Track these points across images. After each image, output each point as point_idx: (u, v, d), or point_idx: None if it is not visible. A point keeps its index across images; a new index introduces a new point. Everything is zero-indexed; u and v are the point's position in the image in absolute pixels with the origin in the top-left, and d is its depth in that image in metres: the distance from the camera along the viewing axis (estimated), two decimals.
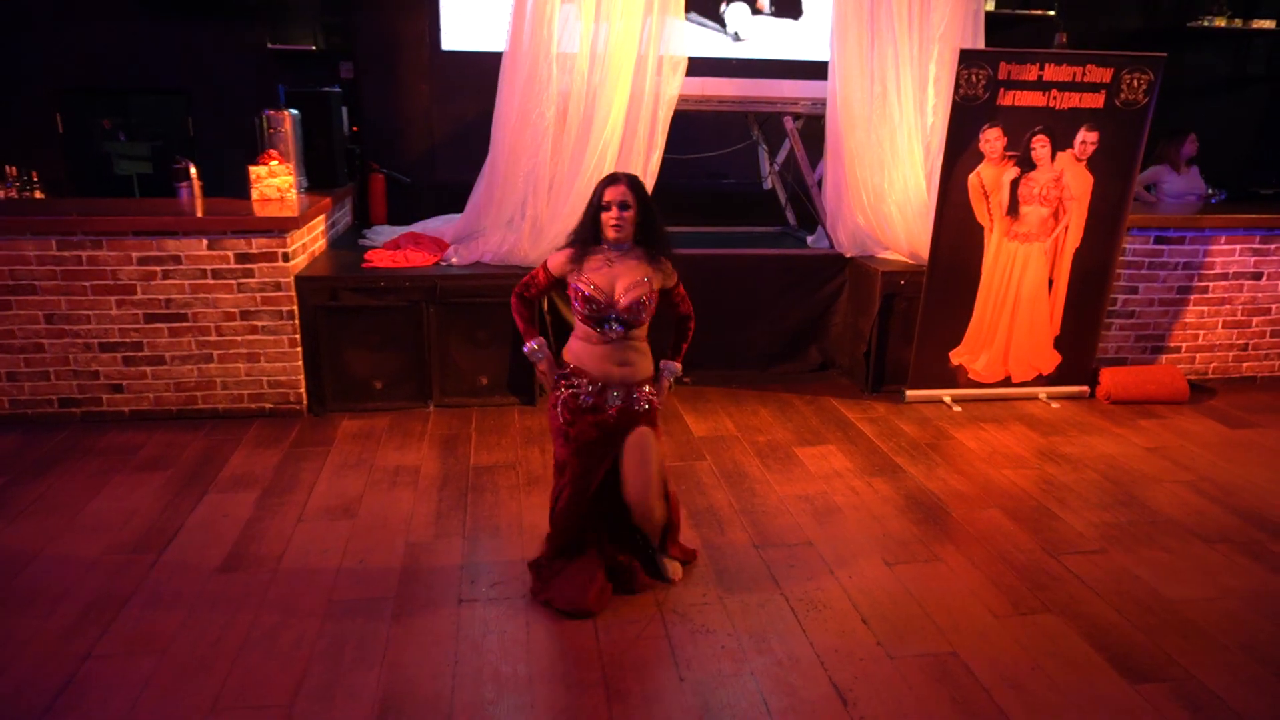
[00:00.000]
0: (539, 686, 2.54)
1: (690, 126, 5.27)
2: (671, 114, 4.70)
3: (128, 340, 4.34)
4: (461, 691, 2.50)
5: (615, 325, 2.76)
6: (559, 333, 4.57)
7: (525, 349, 2.91)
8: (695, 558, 3.20)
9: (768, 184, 6.15)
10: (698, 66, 4.83)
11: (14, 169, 5.69)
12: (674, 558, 3.10)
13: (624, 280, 2.75)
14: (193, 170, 4.90)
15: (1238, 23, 7.14)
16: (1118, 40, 7.07)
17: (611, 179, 2.78)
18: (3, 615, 2.82)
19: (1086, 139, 4.57)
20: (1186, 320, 5.30)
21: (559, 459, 2.92)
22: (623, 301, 2.73)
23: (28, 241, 4.16)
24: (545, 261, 2.88)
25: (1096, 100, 4.52)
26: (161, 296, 4.30)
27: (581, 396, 2.82)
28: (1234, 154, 7.50)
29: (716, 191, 6.54)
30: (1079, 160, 4.61)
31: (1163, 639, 2.81)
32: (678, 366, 2.99)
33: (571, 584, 2.89)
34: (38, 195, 5.83)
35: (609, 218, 2.73)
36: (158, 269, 4.26)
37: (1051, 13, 6.74)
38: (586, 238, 2.79)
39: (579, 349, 2.86)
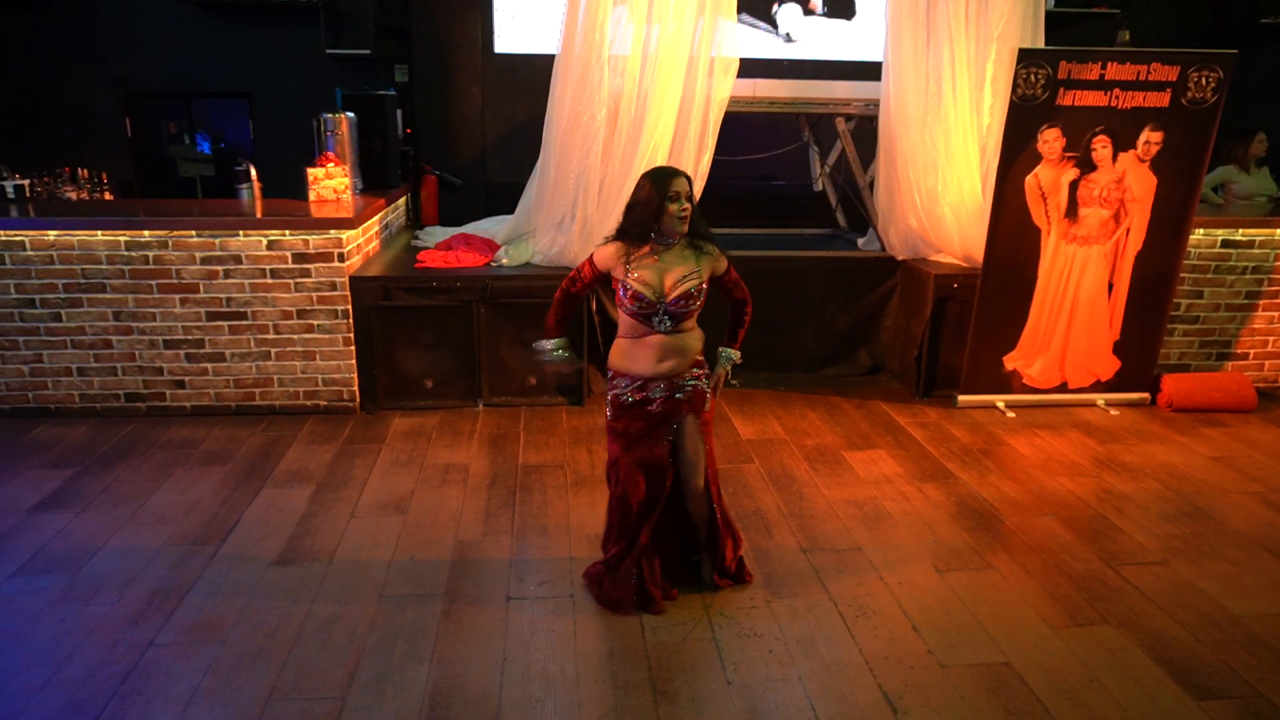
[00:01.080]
0: (586, 686, 2.55)
1: (741, 128, 5.25)
2: (722, 115, 4.69)
3: (190, 338, 4.47)
4: (509, 689, 2.53)
5: (665, 319, 2.76)
6: (607, 333, 4.59)
7: (537, 344, 2.94)
8: (749, 581, 3.10)
9: (818, 186, 6.10)
10: (749, 68, 4.80)
11: (85, 171, 5.90)
12: (727, 575, 3.06)
13: (673, 274, 2.74)
14: (253, 172, 5.02)
15: None
16: (1184, 37, 6.86)
17: (672, 172, 2.73)
18: (74, 601, 2.93)
19: (1150, 139, 4.45)
20: (1255, 326, 5.12)
21: (610, 457, 2.93)
22: (672, 295, 2.73)
23: (98, 241, 4.31)
24: (591, 256, 2.85)
25: (1161, 99, 4.39)
26: (222, 295, 4.42)
27: (626, 395, 2.83)
28: None
29: (767, 193, 6.51)
30: (1142, 161, 4.49)
31: (1229, 654, 2.72)
32: (736, 353, 3.00)
33: (617, 590, 2.92)
34: (107, 197, 6.04)
35: (677, 210, 2.69)
36: (219, 268, 4.38)
37: (1114, 10, 6.56)
38: (640, 231, 2.74)
39: (624, 348, 2.85)
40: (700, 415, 2.87)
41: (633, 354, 2.83)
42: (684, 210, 2.69)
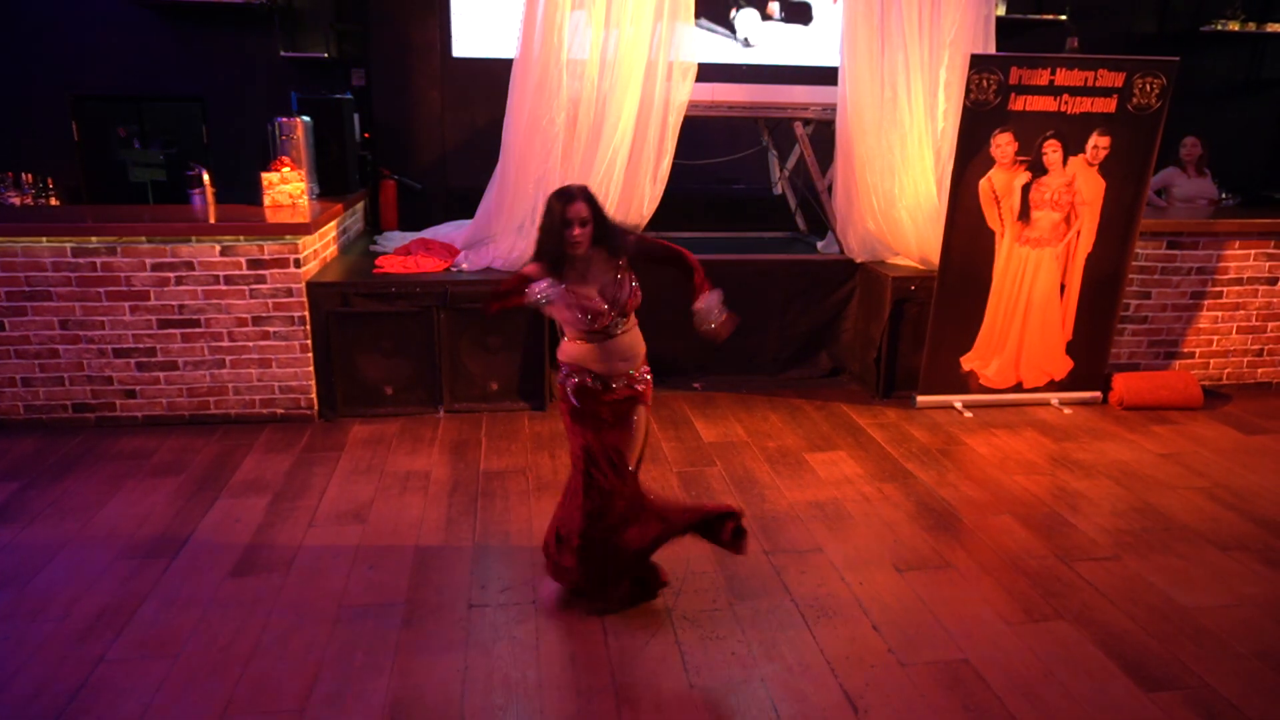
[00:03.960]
0: (549, 693, 2.54)
1: (700, 132, 5.28)
2: (681, 120, 4.71)
3: (141, 346, 4.37)
4: (471, 697, 2.51)
5: (617, 320, 2.77)
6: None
7: (535, 290, 2.68)
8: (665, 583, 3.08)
9: (778, 189, 6.14)
10: (708, 72, 4.84)
11: (30, 176, 5.74)
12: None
13: (597, 283, 2.77)
14: (206, 177, 4.93)
15: (1252, 26, 7.10)
16: (1130, 44, 7.04)
17: (567, 196, 2.73)
18: (19, 619, 2.84)
19: (1098, 144, 4.55)
20: (1200, 325, 5.27)
21: (583, 443, 2.82)
22: (609, 302, 2.75)
23: (43, 248, 4.20)
24: (522, 272, 2.81)
25: (1108, 105, 4.50)
26: (175, 302, 4.33)
27: (589, 383, 2.81)
28: (1249, 158, 7.46)
29: (727, 197, 6.55)
30: (1091, 165, 4.59)
31: (1177, 647, 2.79)
32: (715, 294, 2.83)
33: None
34: (54, 202, 5.89)
35: (572, 235, 2.71)
36: (171, 275, 4.29)
37: (1063, 17, 6.71)
38: (555, 257, 2.75)
39: (575, 351, 2.83)
40: (648, 404, 2.92)
41: (585, 354, 2.82)
42: (579, 235, 2.70)
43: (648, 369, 2.94)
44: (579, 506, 2.85)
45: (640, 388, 2.88)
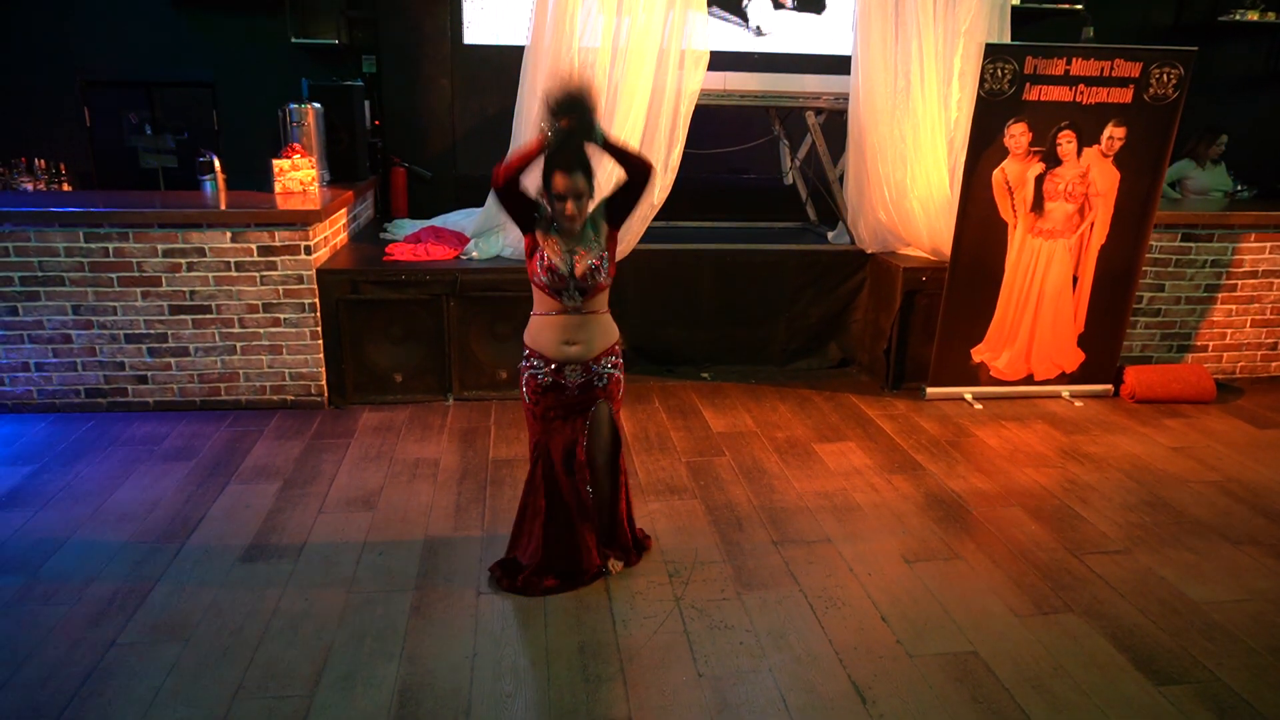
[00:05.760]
0: (557, 680, 2.54)
1: (711, 121, 5.25)
2: (693, 109, 4.68)
3: (153, 332, 4.39)
4: (480, 684, 2.52)
5: (575, 294, 2.76)
6: None
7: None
8: (648, 545, 3.22)
9: (789, 179, 6.11)
10: (719, 61, 4.80)
11: (43, 161, 5.76)
12: (617, 556, 3.11)
13: (578, 256, 2.74)
14: (217, 163, 4.94)
15: (1270, 16, 7.01)
16: (1146, 35, 6.97)
17: (563, 164, 2.62)
18: (31, 602, 2.86)
19: (1114, 134, 4.51)
20: (1214, 319, 5.23)
21: (533, 438, 2.95)
22: (579, 271, 2.73)
23: (56, 234, 4.21)
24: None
25: (1124, 95, 4.45)
26: (186, 289, 4.34)
27: (540, 376, 2.84)
28: (1265, 150, 7.38)
29: (737, 187, 6.52)
30: (1105, 156, 4.55)
31: (1188, 640, 2.78)
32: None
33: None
34: (65, 188, 5.90)
35: (562, 208, 2.68)
36: (182, 261, 4.30)
37: (1079, 7, 6.65)
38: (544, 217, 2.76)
39: (536, 327, 2.85)
40: (614, 402, 2.93)
41: (541, 332, 2.83)
42: (571, 211, 2.67)
43: (616, 362, 2.91)
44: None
45: (601, 383, 2.86)
